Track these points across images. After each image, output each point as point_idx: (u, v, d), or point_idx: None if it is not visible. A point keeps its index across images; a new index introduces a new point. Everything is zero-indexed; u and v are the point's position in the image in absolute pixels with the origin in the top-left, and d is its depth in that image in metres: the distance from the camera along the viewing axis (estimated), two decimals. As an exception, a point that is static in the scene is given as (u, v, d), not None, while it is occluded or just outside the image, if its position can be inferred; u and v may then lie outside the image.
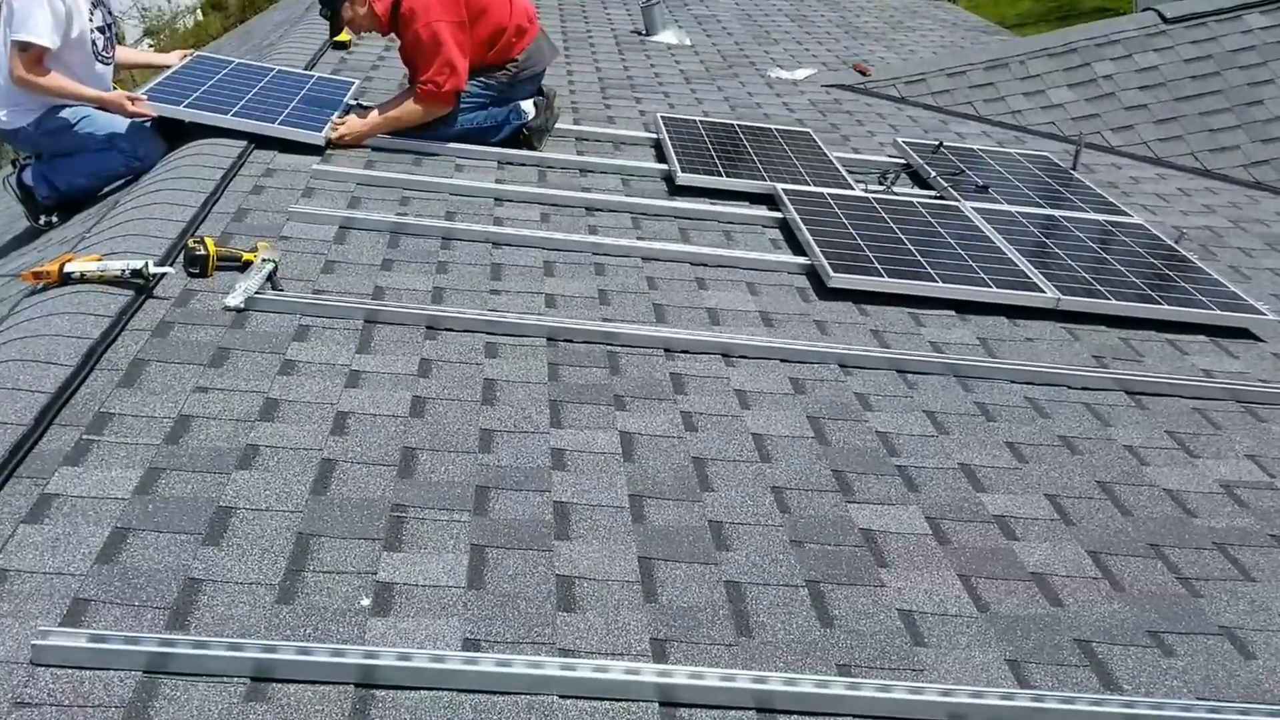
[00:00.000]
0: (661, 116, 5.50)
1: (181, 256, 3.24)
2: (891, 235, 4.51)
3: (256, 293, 3.08)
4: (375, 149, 4.61)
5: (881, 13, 11.04)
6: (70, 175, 4.46)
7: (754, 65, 7.63)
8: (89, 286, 2.96)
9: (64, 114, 4.41)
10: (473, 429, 2.75)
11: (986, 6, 22.93)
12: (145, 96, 4.34)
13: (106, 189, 4.49)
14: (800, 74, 7.41)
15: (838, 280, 4.00)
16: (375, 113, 4.65)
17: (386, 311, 3.19)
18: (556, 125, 5.07)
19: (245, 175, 4.00)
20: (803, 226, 4.41)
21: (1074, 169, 6.12)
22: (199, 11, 33.08)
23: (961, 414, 3.33)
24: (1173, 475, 3.06)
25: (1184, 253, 4.90)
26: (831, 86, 7.38)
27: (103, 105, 4.36)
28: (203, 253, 3.20)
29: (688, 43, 7.82)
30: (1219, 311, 4.25)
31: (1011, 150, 6.30)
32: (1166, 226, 5.55)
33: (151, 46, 30.63)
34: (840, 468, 2.87)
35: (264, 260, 3.19)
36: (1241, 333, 4.28)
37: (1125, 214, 5.38)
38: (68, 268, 2.96)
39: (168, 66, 5.01)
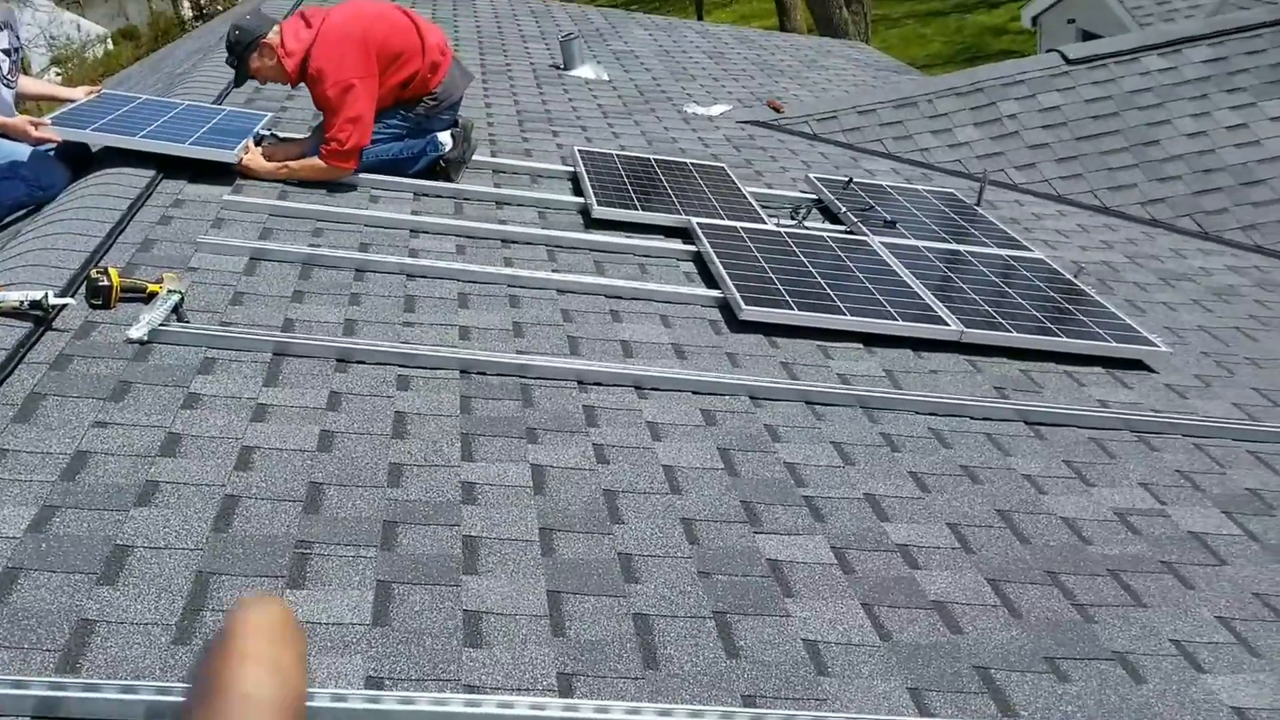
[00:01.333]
0: (579, 150, 5.54)
1: (84, 287, 3.18)
2: (802, 269, 4.59)
3: (161, 325, 3.02)
4: (287, 180, 4.57)
5: (796, 51, 11.25)
6: None
7: (670, 101, 7.72)
8: (-10, 321, 2.89)
9: None
10: (382, 463, 2.73)
11: (897, 48, 23.52)
12: (49, 121, 4.24)
13: (7, 219, 4.37)
14: (716, 110, 7.52)
15: (749, 313, 4.06)
16: (283, 151, 4.62)
17: (296, 344, 3.16)
18: (474, 157, 5.08)
19: (153, 205, 3.94)
20: (716, 260, 4.47)
21: (978, 205, 6.28)
22: (109, 40, 32.44)
23: (868, 445, 3.39)
24: (1069, 503, 3.15)
25: (1082, 286, 5.06)
26: (746, 123, 7.49)
27: (3, 131, 4.26)
28: (106, 283, 3.14)
29: (605, 78, 7.89)
30: (1114, 344, 4.39)
31: (919, 187, 6.45)
32: (1065, 261, 5.73)
33: (59, 75, 29.91)
34: (749, 498, 2.90)
35: (169, 291, 3.14)
36: (1136, 364, 4.43)
37: (1026, 248, 5.54)
38: (-40, 299, 2.89)
39: (72, 100, 4.92)
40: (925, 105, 8.04)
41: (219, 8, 29.48)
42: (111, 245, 3.54)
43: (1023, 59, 8.74)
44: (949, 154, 7.67)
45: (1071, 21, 19.80)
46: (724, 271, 4.35)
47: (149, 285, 3.22)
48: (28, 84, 4.74)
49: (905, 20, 28.36)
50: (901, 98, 8.10)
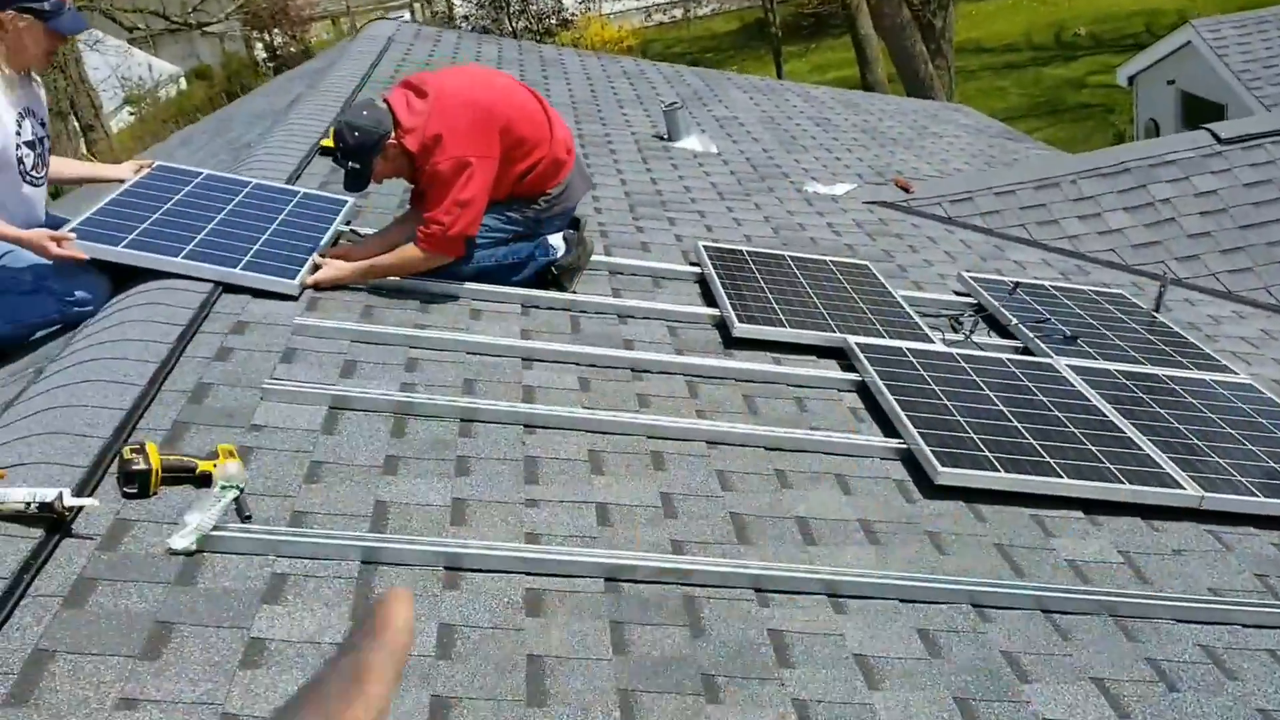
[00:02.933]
0: (703, 246, 4.76)
1: (117, 469, 2.41)
2: (990, 407, 3.77)
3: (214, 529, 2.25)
4: (373, 290, 3.80)
5: (903, 117, 10.47)
6: None
7: (787, 177, 6.95)
8: (-11, 525, 2.12)
9: None
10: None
11: (975, 100, 22.69)
12: (73, 235, 3.47)
13: (34, 337, 3.59)
14: (839, 189, 6.73)
15: (946, 476, 3.24)
16: (364, 251, 3.85)
17: (390, 549, 2.38)
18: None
19: (208, 331, 3.16)
20: (888, 395, 3.67)
21: (1156, 310, 5.42)
22: (182, 80, 32.37)
23: (1134, 679, 2.55)
24: None
25: (1313, 424, 4.18)
26: (873, 204, 6.69)
27: (20, 245, 3.47)
28: (143, 466, 2.36)
29: (714, 150, 7.14)
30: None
31: (1083, 286, 5.61)
32: (1270, 382, 4.85)
33: (133, 114, 29.73)
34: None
35: (224, 487, 2.35)
36: None
37: (1229, 369, 4.67)
38: (-49, 496, 2.13)
39: (118, 180, 4.17)
40: (1069, 187, 7.20)
41: (292, 49, 29.39)
42: (154, 398, 2.75)
43: (1169, 137, 7.90)
44: (1100, 242, 6.81)
45: (1171, 83, 18.95)
46: (902, 414, 3.54)
47: (199, 463, 2.45)
48: (62, 166, 3.96)
49: (981, 73, 27.67)
50: (1041, 178, 7.26)
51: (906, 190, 7.00)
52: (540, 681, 2.13)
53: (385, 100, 3.74)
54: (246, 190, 4.18)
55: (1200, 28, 17.59)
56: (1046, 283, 5.49)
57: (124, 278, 3.55)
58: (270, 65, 29.72)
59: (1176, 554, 3.20)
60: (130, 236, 3.52)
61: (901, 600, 2.68)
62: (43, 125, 3.70)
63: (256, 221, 3.91)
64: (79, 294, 3.47)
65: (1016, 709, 2.38)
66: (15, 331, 3.56)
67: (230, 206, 3.97)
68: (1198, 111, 18.19)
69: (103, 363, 2.84)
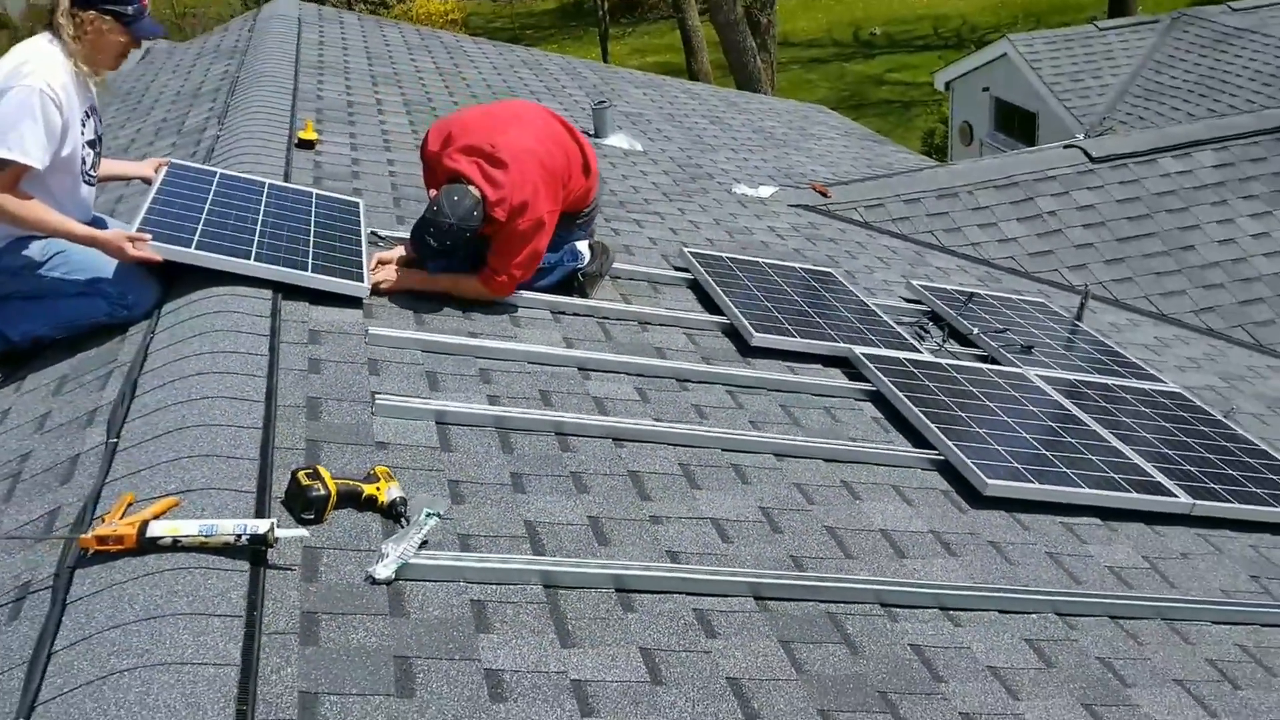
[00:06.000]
0: (690, 253, 4.85)
1: (291, 494, 2.30)
2: (996, 418, 4.02)
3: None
4: (413, 294, 3.72)
5: (779, 118, 10.77)
6: (32, 324, 3.31)
7: (712, 177, 7.09)
8: (190, 560, 2.00)
9: (30, 249, 3.30)
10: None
11: (787, 92, 23.53)
12: (149, 235, 3.26)
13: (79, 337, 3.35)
14: (765, 191, 6.92)
15: (994, 488, 3.45)
16: (402, 257, 3.81)
17: (566, 573, 2.38)
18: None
19: (288, 341, 3.03)
20: (912, 407, 3.86)
21: (1079, 319, 5.83)
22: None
23: (1206, 680, 2.81)
24: None
25: (1241, 431, 4.64)
26: (798, 207, 6.91)
27: (94, 246, 3.28)
28: (322, 492, 2.27)
29: (639, 148, 7.20)
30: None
31: (1010, 295, 5.97)
32: (1197, 390, 5.33)
33: None
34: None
35: (428, 514, 2.29)
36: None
37: (1160, 380, 5.10)
38: (152, 529, 2.00)
39: (142, 179, 3.94)
40: (967, 197, 7.64)
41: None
42: (275, 415, 2.63)
43: (1045, 151, 8.42)
44: (1001, 250, 7.26)
45: (986, 90, 20.10)
46: (933, 426, 3.74)
47: (364, 488, 2.37)
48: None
49: (791, 66, 28.67)
50: (942, 188, 7.67)
51: (825, 195, 7.25)
52: (749, 704, 2.19)
53: (457, 169, 3.67)
54: (266, 191, 3.99)
55: (1016, 41, 18.77)
56: (983, 291, 5.82)
57: (165, 278, 3.36)
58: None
59: (1184, 557, 3.52)
60: (195, 238, 3.33)
61: (1000, 612, 2.86)
62: (100, 122, 3.48)
63: (295, 223, 3.74)
64: (131, 298, 3.26)
65: (1131, 712, 2.59)
66: (59, 334, 3.31)
67: (263, 208, 3.79)
68: (1010, 117, 19.46)
69: (210, 377, 2.69)
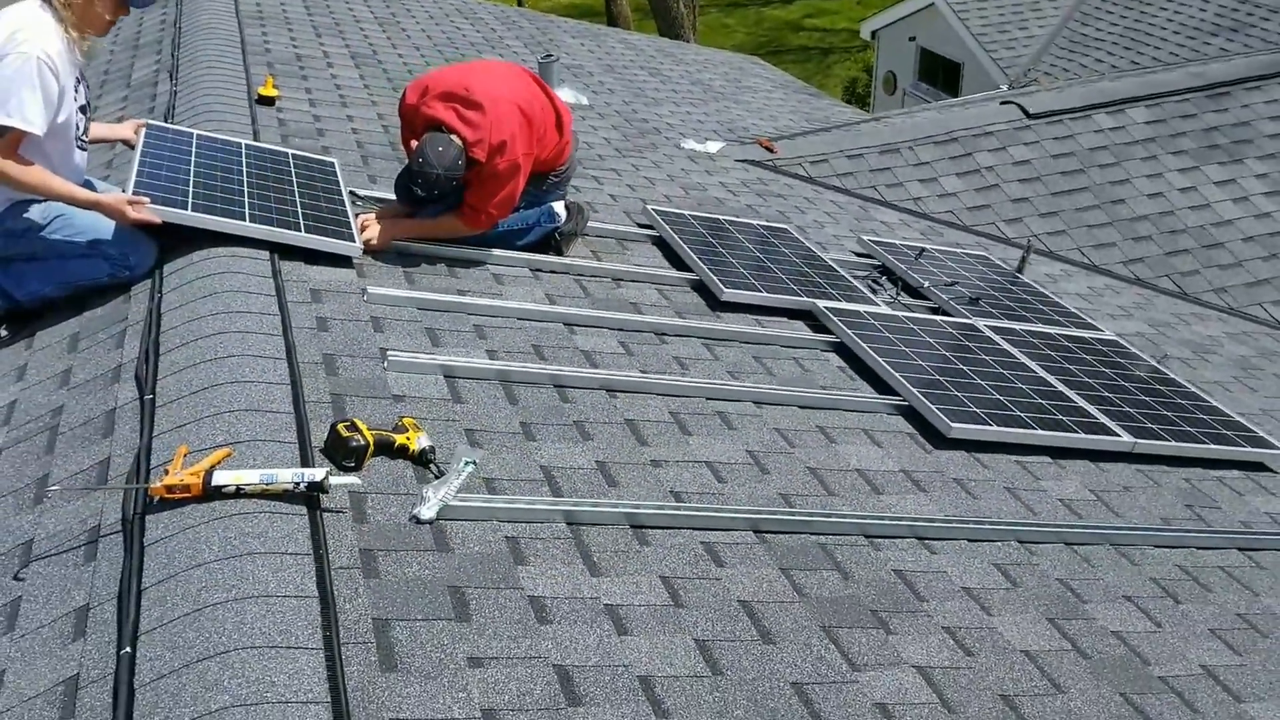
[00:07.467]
0: (654, 210, 5.02)
1: (332, 444, 2.45)
2: (953, 366, 4.27)
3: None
4: (400, 253, 3.86)
5: (715, 69, 10.90)
6: (37, 284, 3.39)
7: (659, 132, 7.24)
8: (252, 505, 2.15)
9: (31, 212, 3.37)
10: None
11: (705, 37, 23.65)
12: (148, 199, 3.35)
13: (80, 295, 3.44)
14: (713, 147, 7.10)
15: (957, 431, 3.71)
16: (388, 214, 3.95)
17: (585, 511, 2.58)
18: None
19: (294, 301, 3.16)
20: (876, 357, 4.10)
21: (1020, 272, 6.12)
22: None
23: (1151, 597, 3.11)
24: None
25: (1172, 375, 4.96)
26: (744, 162, 7.10)
27: (96, 209, 3.36)
28: (361, 442, 2.43)
29: (585, 102, 7.33)
30: (1247, 448, 4.33)
31: (954, 249, 6.24)
32: (1131, 338, 5.65)
33: None
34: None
35: (466, 462, 2.46)
36: (1258, 466, 4.35)
37: (1098, 328, 5.41)
38: (216, 478, 2.15)
39: (123, 141, 3.99)
40: (908, 153, 7.89)
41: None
42: (300, 371, 2.76)
43: (984, 108, 8.69)
44: (941, 204, 7.53)
45: (912, 39, 20.35)
46: (896, 374, 3.98)
47: (396, 438, 2.53)
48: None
49: (709, 9, 28.67)
50: (885, 144, 7.91)
51: (771, 150, 7.45)
52: (760, 623, 2.42)
53: (434, 116, 3.78)
54: (244, 151, 4.07)
55: (944, -10, 19.01)
56: (929, 246, 6.08)
57: (160, 238, 3.46)
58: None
59: (1126, 490, 3.82)
60: (191, 198, 3.42)
61: (969, 540, 3.12)
62: (88, 88, 3.53)
63: (277, 184, 3.84)
64: (133, 259, 3.36)
65: (1088, 624, 2.86)
66: (62, 293, 3.40)
67: (244, 169, 3.87)
68: (935, 68, 19.74)
69: (231, 336, 2.82)
